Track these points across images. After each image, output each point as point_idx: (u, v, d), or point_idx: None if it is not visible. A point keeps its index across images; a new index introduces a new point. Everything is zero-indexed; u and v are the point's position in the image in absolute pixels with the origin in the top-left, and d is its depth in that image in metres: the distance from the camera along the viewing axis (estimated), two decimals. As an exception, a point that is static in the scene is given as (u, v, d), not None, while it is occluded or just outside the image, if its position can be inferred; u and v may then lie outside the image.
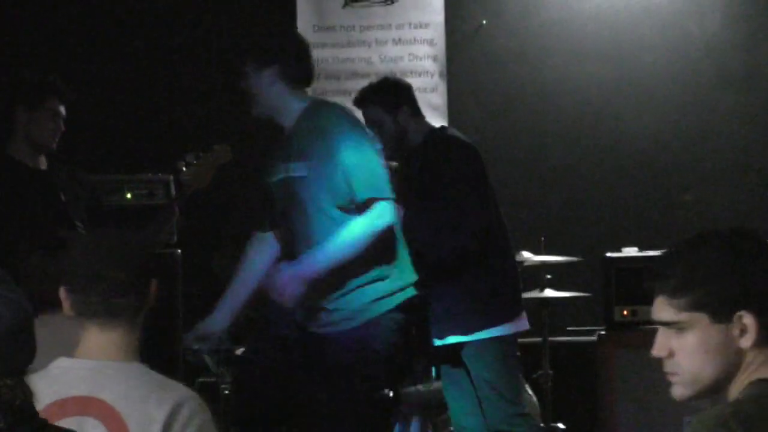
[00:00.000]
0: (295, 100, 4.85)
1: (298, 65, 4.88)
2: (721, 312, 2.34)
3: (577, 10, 7.44)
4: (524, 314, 5.32)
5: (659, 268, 2.42)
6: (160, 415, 2.83)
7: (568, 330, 6.99)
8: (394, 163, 5.44)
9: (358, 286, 4.68)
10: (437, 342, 5.31)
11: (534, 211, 7.27)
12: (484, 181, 5.30)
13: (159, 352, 5.68)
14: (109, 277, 2.94)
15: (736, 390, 2.34)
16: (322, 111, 4.84)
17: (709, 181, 7.38)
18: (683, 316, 2.37)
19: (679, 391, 2.42)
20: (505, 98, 7.49)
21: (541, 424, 6.02)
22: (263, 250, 4.99)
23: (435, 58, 7.41)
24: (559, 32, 7.44)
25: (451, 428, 5.61)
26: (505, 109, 7.49)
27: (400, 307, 4.71)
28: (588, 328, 6.69)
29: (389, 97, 5.46)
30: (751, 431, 2.21)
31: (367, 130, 4.84)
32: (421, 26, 7.41)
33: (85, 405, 2.78)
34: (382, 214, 4.60)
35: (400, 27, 7.41)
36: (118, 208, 6.34)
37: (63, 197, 5.42)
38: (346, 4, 7.41)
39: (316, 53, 7.33)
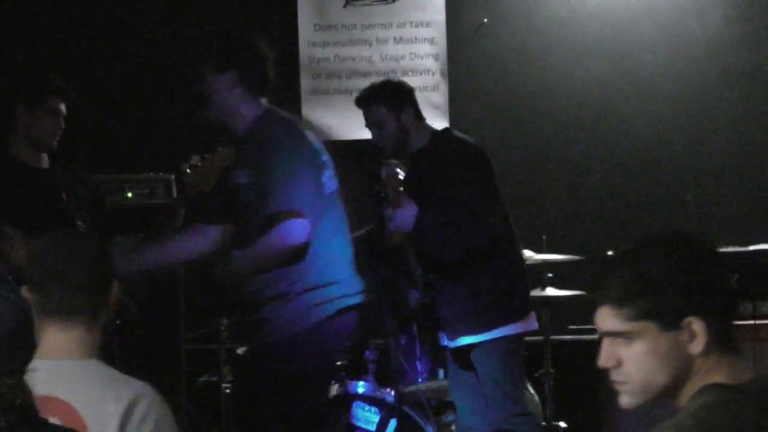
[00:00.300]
0: (250, 107, 4.89)
1: (256, 72, 4.90)
2: (670, 319, 2.29)
3: (578, 9, 7.44)
4: (533, 314, 5.32)
5: (601, 276, 2.38)
6: (116, 411, 2.86)
7: (570, 329, 6.98)
8: (394, 161, 5.44)
9: (295, 295, 4.74)
10: (450, 344, 5.30)
11: (535, 210, 7.27)
12: (491, 182, 5.29)
13: (160, 351, 5.69)
14: (67, 277, 2.96)
15: (686, 395, 2.31)
16: (266, 121, 4.85)
17: (710, 178, 7.37)
18: (631, 326, 2.33)
19: (626, 400, 2.38)
20: (507, 97, 7.48)
21: (543, 423, 6.01)
22: (194, 238, 5.01)
23: (436, 57, 7.41)
24: (560, 31, 7.44)
25: (453, 428, 5.61)
26: (507, 107, 7.49)
27: (342, 312, 4.76)
28: (589, 326, 6.67)
29: (393, 96, 5.45)
30: None
31: (313, 147, 4.84)
32: (422, 25, 7.41)
33: (44, 405, 2.78)
34: (290, 231, 4.66)
35: (401, 26, 7.41)
36: (119, 208, 6.34)
37: (64, 196, 5.42)
38: (347, 3, 7.40)
39: (317, 52, 7.41)
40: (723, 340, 2.30)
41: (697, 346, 2.29)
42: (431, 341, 5.79)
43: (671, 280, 2.29)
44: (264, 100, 4.93)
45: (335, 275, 4.77)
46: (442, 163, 5.27)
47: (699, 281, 2.30)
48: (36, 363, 2.89)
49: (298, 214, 4.66)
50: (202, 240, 5.01)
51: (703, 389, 2.27)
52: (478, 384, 5.27)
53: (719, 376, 2.28)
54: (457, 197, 5.14)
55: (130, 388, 2.93)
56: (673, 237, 2.37)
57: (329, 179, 4.85)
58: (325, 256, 4.76)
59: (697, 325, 2.28)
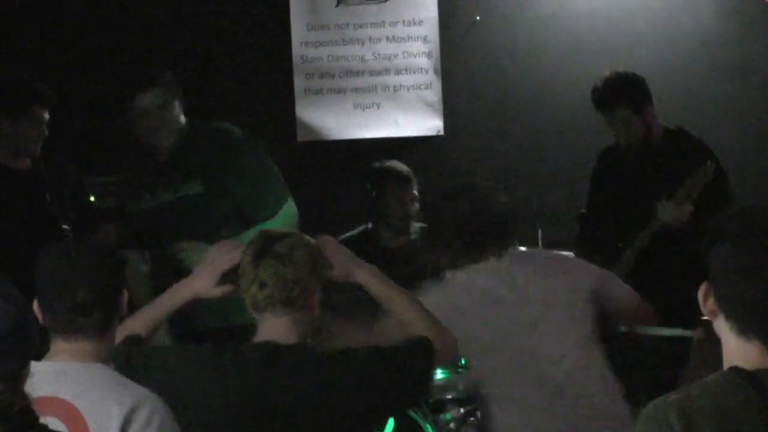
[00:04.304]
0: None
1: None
2: None
3: (570, 5, 7.44)
4: None
5: None
6: (119, 413, 2.87)
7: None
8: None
9: None
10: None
11: (529, 207, 7.26)
12: None
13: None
14: (74, 296, 2.95)
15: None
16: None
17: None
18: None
19: None
20: (500, 94, 7.48)
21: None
22: None
23: (429, 55, 7.41)
24: (553, 27, 7.44)
25: (452, 425, 5.60)
26: (500, 104, 7.49)
27: None
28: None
29: (637, 96, 5.67)
30: (691, 426, 2.18)
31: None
32: (414, 23, 7.40)
33: (47, 405, 2.80)
34: None
35: (393, 24, 7.40)
36: (110, 210, 6.32)
37: (48, 198, 5.39)
38: (339, 2, 7.40)
39: (310, 52, 7.40)
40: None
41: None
42: None
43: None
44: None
45: None
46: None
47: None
48: (42, 365, 2.90)
49: None
50: None
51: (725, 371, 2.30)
52: None
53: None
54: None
55: (134, 393, 2.93)
56: None
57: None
58: None
59: None
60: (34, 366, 2.87)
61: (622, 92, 5.73)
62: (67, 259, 3.02)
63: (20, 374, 2.27)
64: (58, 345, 3.00)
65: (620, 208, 5.78)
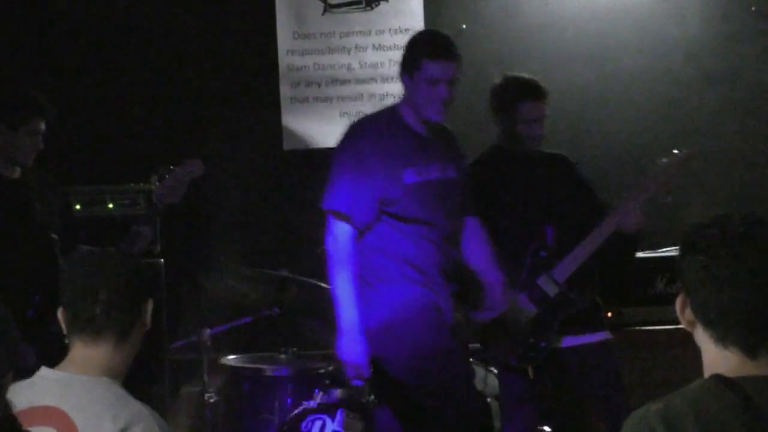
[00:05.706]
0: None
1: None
2: None
3: (557, 14, 7.45)
4: None
5: None
6: (112, 430, 2.85)
7: (553, 333, 6.98)
8: None
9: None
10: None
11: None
12: None
13: (144, 361, 5.67)
14: (97, 295, 2.97)
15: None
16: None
17: (691, 181, 7.38)
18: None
19: None
20: (486, 103, 7.48)
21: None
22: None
23: (415, 64, 7.41)
24: (539, 36, 7.45)
25: None
26: (486, 113, 7.49)
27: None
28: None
29: None
30: (673, 429, 2.22)
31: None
32: (400, 32, 7.41)
33: (49, 415, 2.83)
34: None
35: (380, 33, 7.41)
36: (99, 218, 6.31)
37: (37, 206, 5.39)
38: (325, 11, 7.40)
39: (296, 60, 7.40)
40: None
41: None
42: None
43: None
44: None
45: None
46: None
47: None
48: (50, 374, 2.92)
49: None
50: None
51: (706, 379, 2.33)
52: None
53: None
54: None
55: (130, 411, 2.93)
56: None
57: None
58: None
59: None
60: (44, 372, 2.90)
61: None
62: (94, 263, 3.06)
63: (3, 383, 2.26)
64: (76, 351, 3.00)
65: (522, 214, 5.76)
